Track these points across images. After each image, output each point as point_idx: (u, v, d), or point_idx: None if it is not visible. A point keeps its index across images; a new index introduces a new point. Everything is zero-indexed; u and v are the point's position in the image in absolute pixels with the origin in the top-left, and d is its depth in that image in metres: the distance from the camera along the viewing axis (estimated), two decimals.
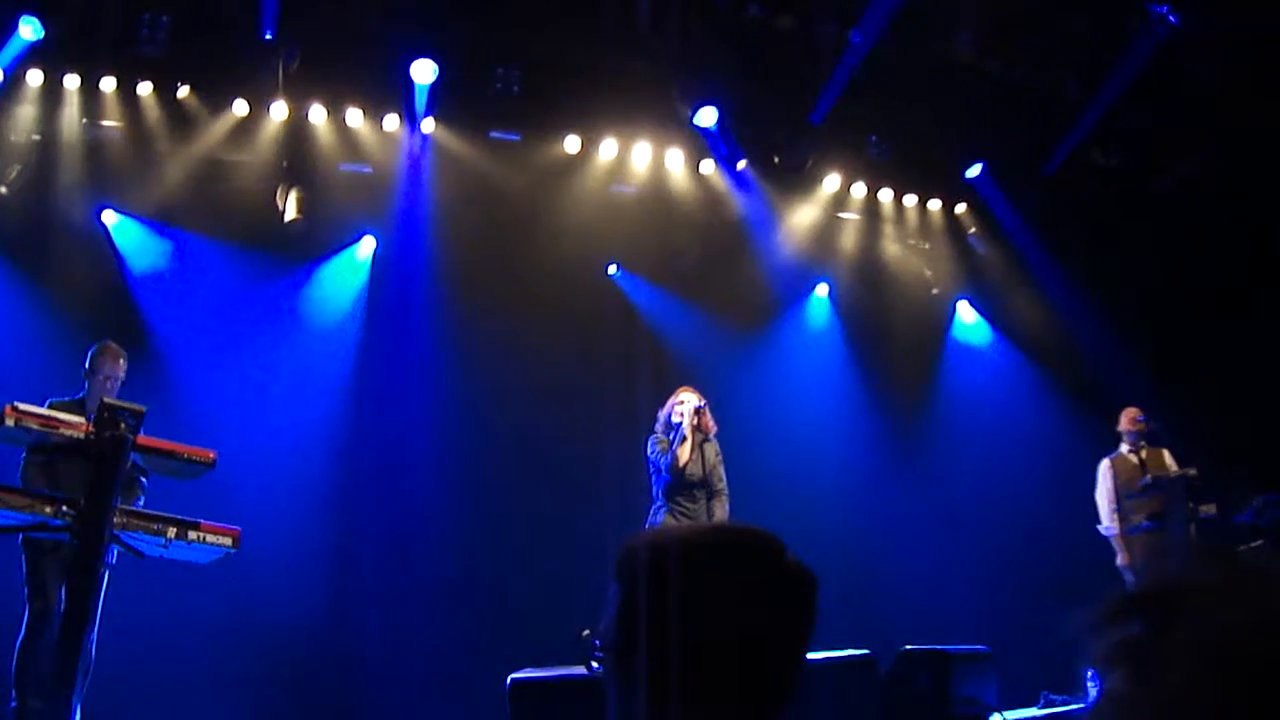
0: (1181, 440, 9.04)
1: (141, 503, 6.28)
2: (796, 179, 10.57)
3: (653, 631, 1.40)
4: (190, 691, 8.08)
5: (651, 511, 7.59)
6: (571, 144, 9.98)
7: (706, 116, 9.82)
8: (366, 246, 10.00)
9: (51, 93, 8.83)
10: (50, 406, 5.99)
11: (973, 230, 11.48)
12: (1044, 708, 8.24)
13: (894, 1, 9.10)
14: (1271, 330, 9.77)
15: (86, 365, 6.71)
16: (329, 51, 9.13)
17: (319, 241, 9.78)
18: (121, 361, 6.75)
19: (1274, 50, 9.02)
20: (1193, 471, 8.47)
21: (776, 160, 10.42)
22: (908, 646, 7.06)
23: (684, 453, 7.41)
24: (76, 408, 6.25)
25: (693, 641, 1.39)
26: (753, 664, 1.42)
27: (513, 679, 5.54)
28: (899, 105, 10.23)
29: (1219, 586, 0.86)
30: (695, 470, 7.44)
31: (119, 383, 6.67)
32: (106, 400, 5.41)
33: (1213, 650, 0.81)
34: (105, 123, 9.06)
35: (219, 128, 9.17)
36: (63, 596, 5.70)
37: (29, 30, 8.29)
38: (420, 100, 9.32)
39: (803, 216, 10.85)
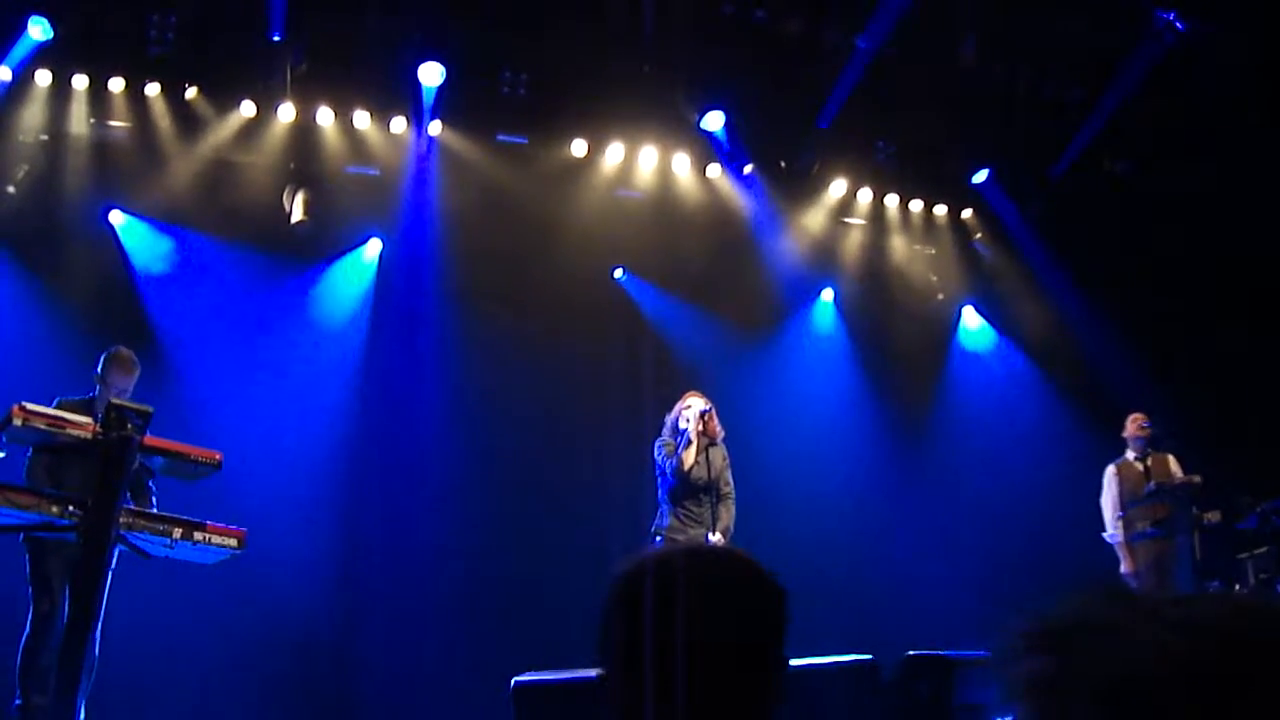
0: (1186, 446, 9.02)
1: (154, 507, 6.28)
2: (803, 183, 10.59)
3: (626, 653, 1.45)
4: (194, 691, 8.11)
5: (658, 515, 7.59)
6: (578, 147, 9.99)
7: (713, 121, 9.84)
8: (373, 249, 10.01)
9: (60, 93, 8.86)
10: (59, 405, 6.00)
11: (978, 235, 11.49)
12: None
13: (900, 6, 9.11)
14: (1276, 334, 9.76)
15: (99, 370, 6.70)
16: (336, 54, 9.17)
17: (326, 243, 9.79)
18: (135, 372, 6.72)
19: (1278, 54, 9.02)
20: (1197, 479, 8.45)
21: (783, 165, 10.45)
22: (911, 652, 7.05)
23: (689, 457, 7.40)
24: (85, 408, 6.24)
25: (676, 664, 1.42)
26: (729, 674, 1.45)
27: (517, 681, 5.54)
28: (905, 110, 10.24)
29: (1114, 622, 0.88)
30: (701, 474, 7.43)
31: (128, 394, 6.64)
32: (114, 401, 5.42)
33: (1106, 684, 0.83)
34: (113, 123, 9.08)
35: (226, 129, 9.20)
36: (67, 595, 5.72)
37: (38, 30, 8.32)
38: (427, 103, 9.34)
39: (809, 221, 10.85)
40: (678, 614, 1.45)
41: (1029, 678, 0.89)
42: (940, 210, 11.28)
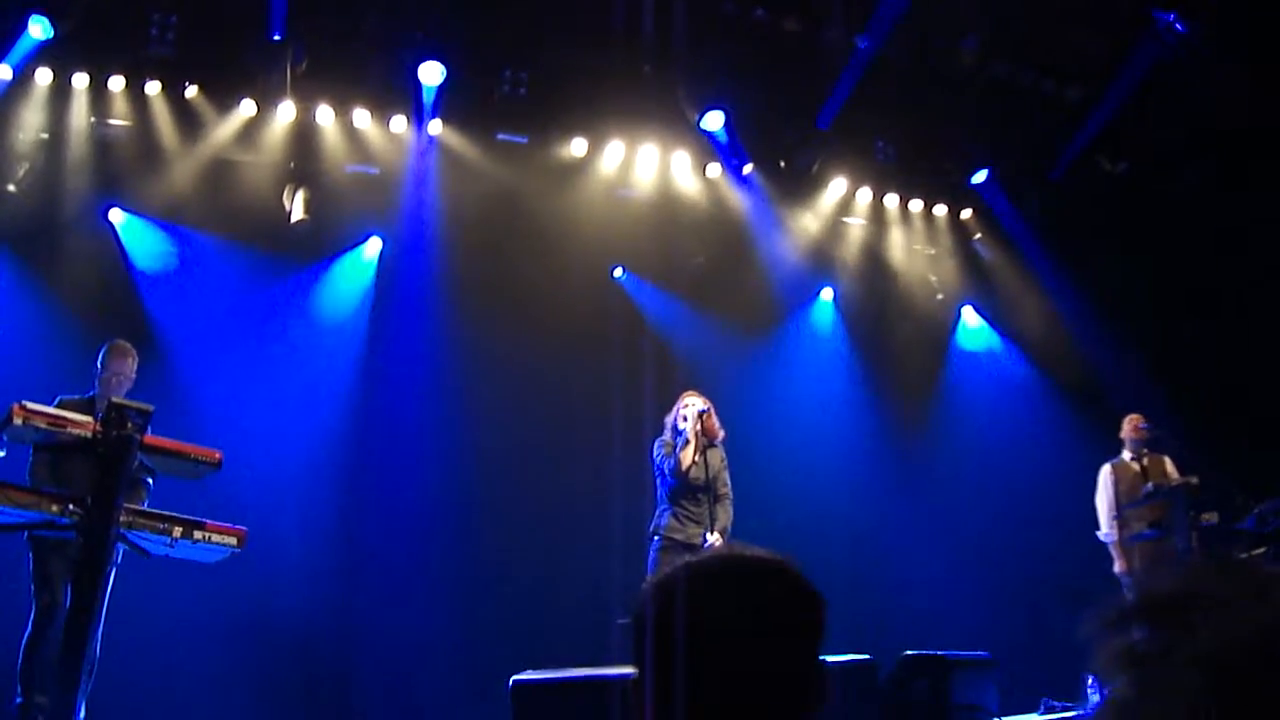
0: (1183, 447, 9.03)
1: (145, 504, 6.29)
2: (802, 183, 10.60)
3: (663, 656, 1.45)
4: (195, 690, 8.11)
5: (656, 514, 7.60)
6: (578, 147, 10.01)
7: (713, 120, 9.85)
8: (373, 247, 10.02)
9: (60, 92, 8.86)
10: (60, 404, 6.02)
11: (978, 235, 11.51)
12: (1044, 713, 8.25)
13: (900, 6, 9.12)
14: (1275, 336, 9.76)
15: (98, 362, 6.76)
16: (337, 53, 9.17)
17: (326, 242, 9.79)
18: (130, 360, 6.77)
19: (1277, 55, 9.02)
20: (1194, 480, 8.45)
21: (782, 164, 10.46)
22: (908, 652, 7.07)
23: (686, 457, 7.42)
24: (87, 406, 6.27)
25: (708, 671, 1.43)
26: (765, 684, 1.46)
27: (515, 680, 5.55)
28: (905, 110, 10.26)
29: (1224, 596, 0.86)
30: (698, 474, 7.44)
31: (128, 381, 6.68)
32: (115, 400, 5.43)
33: (1217, 662, 0.82)
34: (113, 122, 9.08)
35: (227, 128, 9.20)
36: (68, 594, 5.73)
37: (38, 29, 8.33)
38: (427, 102, 9.35)
39: (808, 221, 10.87)
40: (717, 622, 1.46)
41: (1132, 650, 0.88)
42: (940, 210, 11.32)
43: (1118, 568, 8.78)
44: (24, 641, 6.18)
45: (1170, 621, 0.87)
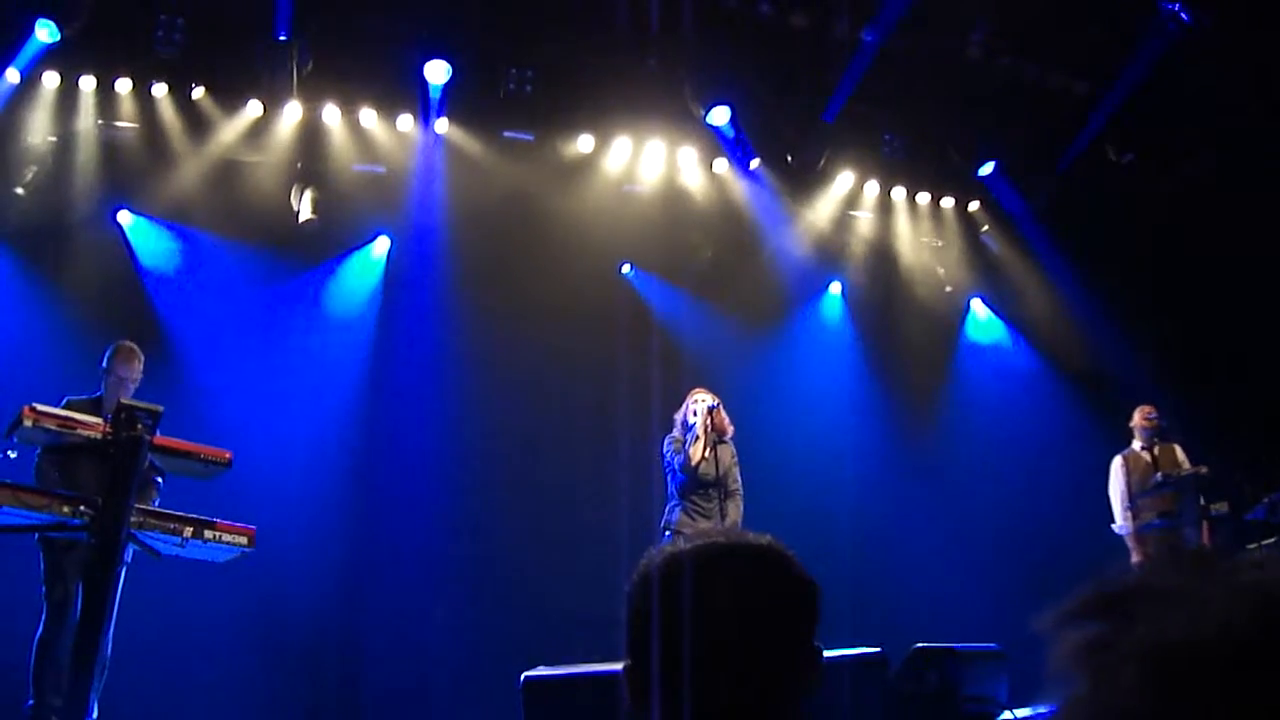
0: (1192, 437, 9.01)
1: (157, 504, 6.30)
2: (809, 177, 10.57)
3: (657, 642, 1.45)
4: (206, 688, 8.14)
5: (667, 510, 7.61)
6: (584, 143, 10.01)
7: (719, 115, 9.83)
8: (381, 246, 10.04)
9: (67, 94, 8.89)
10: (67, 405, 6.04)
11: (986, 228, 11.48)
12: (1053, 707, 8.23)
13: None
14: None
15: (104, 364, 6.75)
16: (343, 52, 9.18)
17: (333, 241, 9.81)
18: (137, 363, 6.76)
19: None
20: (1204, 469, 8.43)
21: (789, 159, 10.42)
22: (918, 644, 7.06)
23: (696, 452, 7.42)
24: (93, 406, 6.28)
25: (701, 657, 1.43)
26: (761, 667, 1.46)
27: (526, 677, 5.56)
28: (912, 103, 10.24)
29: (1173, 589, 0.85)
30: (709, 470, 7.44)
31: (134, 384, 6.68)
32: (124, 401, 5.45)
33: (1159, 651, 0.80)
34: (120, 124, 9.10)
35: (233, 128, 9.21)
36: (80, 594, 5.74)
37: (45, 33, 8.33)
38: (434, 100, 9.36)
39: (816, 215, 10.86)
40: (710, 607, 1.46)
41: (1079, 645, 0.86)
42: (947, 203, 11.30)
43: (1135, 559, 8.75)
44: (35, 642, 6.19)
45: (1117, 614, 0.85)
